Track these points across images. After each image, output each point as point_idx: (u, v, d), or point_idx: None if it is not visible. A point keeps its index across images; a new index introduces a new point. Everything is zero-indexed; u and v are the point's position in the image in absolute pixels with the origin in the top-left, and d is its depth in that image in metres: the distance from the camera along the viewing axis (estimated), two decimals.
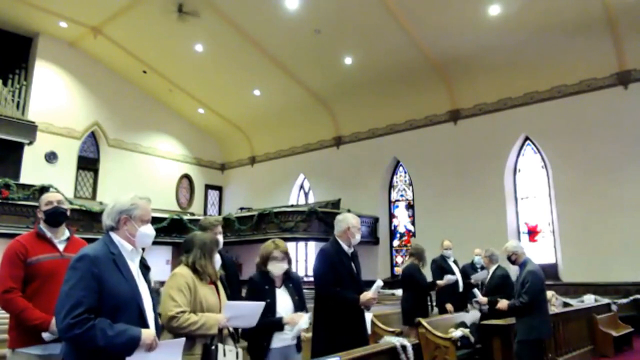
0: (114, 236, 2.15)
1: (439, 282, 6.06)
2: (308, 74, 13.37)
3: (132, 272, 2.12)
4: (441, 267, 6.30)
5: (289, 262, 3.23)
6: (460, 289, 6.33)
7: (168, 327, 2.45)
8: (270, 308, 3.02)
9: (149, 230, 2.20)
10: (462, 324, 5.66)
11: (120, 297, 2.00)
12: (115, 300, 1.98)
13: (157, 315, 2.25)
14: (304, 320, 2.98)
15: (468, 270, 6.68)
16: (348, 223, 3.55)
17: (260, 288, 3.11)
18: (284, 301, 3.12)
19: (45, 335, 2.55)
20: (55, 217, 2.80)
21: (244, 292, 3.36)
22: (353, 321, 3.41)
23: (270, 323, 2.98)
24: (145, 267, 2.25)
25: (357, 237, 3.57)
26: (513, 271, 5.55)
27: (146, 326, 2.06)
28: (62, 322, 1.89)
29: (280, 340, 3.03)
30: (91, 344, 1.88)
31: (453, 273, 6.26)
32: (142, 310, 2.07)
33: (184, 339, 2.22)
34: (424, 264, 6.05)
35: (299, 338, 3.15)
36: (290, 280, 3.29)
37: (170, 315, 2.43)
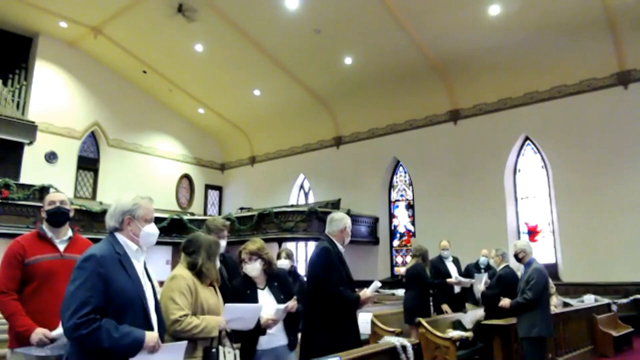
0: (119, 236, 2.16)
1: (449, 280, 6.06)
2: (308, 74, 13.37)
3: (138, 272, 2.13)
4: (437, 267, 6.29)
5: (265, 261, 3.13)
6: (457, 290, 6.31)
7: (170, 331, 2.43)
8: None
9: (152, 230, 2.22)
10: (461, 325, 5.66)
11: (125, 297, 2.01)
12: (120, 300, 1.99)
13: (161, 314, 2.26)
14: (278, 307, 2.96)
15: (472, 270, 6.68)
16: (345, 223, 3.52)
17: (242, 293, 3.03)
18: (267, 304, 3.02)
19: (34, 350, 2.55)
20: (57, 217, 2.79)
21: None
22: (349, 321, 3.39)
23: (252, 330, 2.89)
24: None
25: (349, 238, 3.57)
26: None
27: (150, 326, 2.08)
28: (68, 322, 1.89)
29: (268, 342, 2.99)
30: (96, 345, 1.89)
31: (448, 274, 6.25)
32: (146, 310, 2.08)
33: (186, 342, 2.23)
34: (427, 264, 6.07)
35: (292, 337, 3.13)
36: (275, 278, 3.19)
37: (173, 319, 2.42)
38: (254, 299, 3.03)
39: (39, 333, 2.50)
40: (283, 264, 4.51)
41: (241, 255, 3.13)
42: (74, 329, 1.88)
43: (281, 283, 3.21)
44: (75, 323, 1.87)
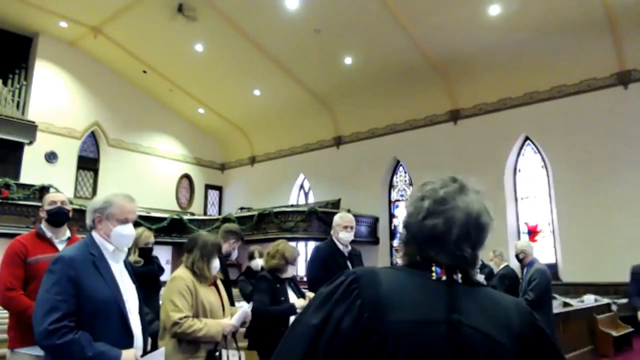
0: (95, 236, 2.05)
1: None
2: (308, 74, 13.36)
3: (114, 274, 2.00)
4: None
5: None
6: None
7: (171, 333, 2.44)
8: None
9: (124, 231, 2.05)
10: None
11: (99, 301, 1.88)
12: (93, 304, 1.87)
13: (144, 318, 2.17)
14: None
15: None
16: (335, 222, 3.57)
17: (274, 286, 3.24)
18: (294, 298, 3.32)
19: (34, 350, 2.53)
20: (58, 217, 2.79)
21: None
22: None
23: (285, 310, 3.12)
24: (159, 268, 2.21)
25: (342, 236, 3.48)
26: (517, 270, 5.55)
27: (129, 331, 1.98)
28: (39, 328, 1.78)
29: None
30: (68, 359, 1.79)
31: None
32: (124, 315, 1.96)
33: (163, 349, 2.21)
34: None
35: None
36: (291, 280, 3.45)
37: (172, 322, 2.43)
38: (285, 292, 3.28)
39: None
40: (259, 263, 4.58)
41: (290, 258, 3.31)
42: (46, 336, 1.76)
43: (295, 284, 3.50)
44: (47, 329, 1.76)
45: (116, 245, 2.05)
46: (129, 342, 1.97)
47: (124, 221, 2.06)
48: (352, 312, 0.90)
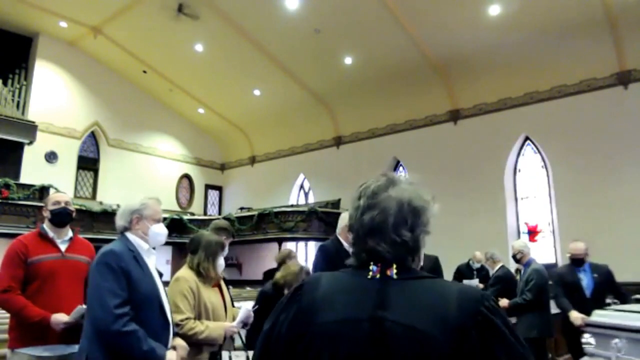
0: (129, 236, 2.22)
1: None
2: (308, 74, 13.37)
3: (151, 270, 2.20)
4: None
5: None
6: None
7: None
8: None
9: (160, 229, 2.28)
10: None
11: (143, 292, 2.06)
12: (139, 295, 2.04)
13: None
14: None
15: (463, 271, 6.66)
16: (345, 221, 3.52)
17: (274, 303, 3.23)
18: None
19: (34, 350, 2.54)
20: (62, 217, 2.77)
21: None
22: None
23: None
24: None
25: None
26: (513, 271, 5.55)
27: (167, 322, 2.15)
28: (106, 312, 1.90)
29: None
30: (126, 350, 1.91)
31: None
32: (162, 307, 2.14)
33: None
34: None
35: None
36: None
37: (174, 323, 2.44)
38: None
39: (59, 319, 2.49)
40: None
41: (287, 284, 3.35)
42: (114, 320, 1.88)
43: None
44: (115, 313, 1.89)
45: (152, 243, 2.26)
46: (167, 331, 2.15)
47: (158, 221, 2.30)
48: (289, 316, 1.00)
